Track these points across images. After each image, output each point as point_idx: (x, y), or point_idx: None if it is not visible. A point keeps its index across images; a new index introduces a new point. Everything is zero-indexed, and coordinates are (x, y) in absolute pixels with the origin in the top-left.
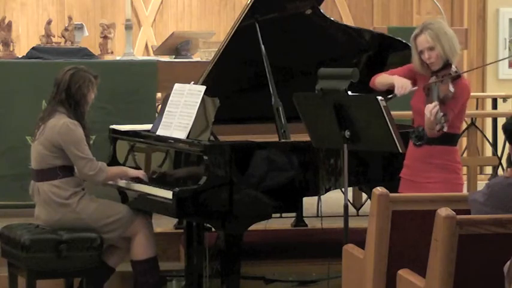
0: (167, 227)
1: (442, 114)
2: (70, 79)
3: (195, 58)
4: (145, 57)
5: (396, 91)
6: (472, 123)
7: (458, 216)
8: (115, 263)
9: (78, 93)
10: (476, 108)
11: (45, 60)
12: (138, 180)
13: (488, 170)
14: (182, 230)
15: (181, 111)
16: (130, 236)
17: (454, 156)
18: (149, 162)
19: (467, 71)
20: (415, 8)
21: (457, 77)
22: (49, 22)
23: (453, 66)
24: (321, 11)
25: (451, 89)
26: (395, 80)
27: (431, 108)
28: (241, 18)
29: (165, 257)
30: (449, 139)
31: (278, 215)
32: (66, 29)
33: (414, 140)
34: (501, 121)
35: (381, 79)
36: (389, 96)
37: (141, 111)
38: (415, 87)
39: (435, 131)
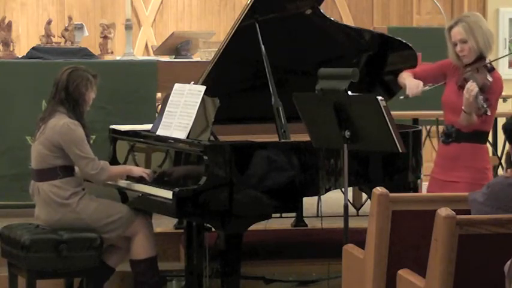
0: (167, 227)
1: (483, 98)
2: (68, 78)
3: (195, 58)
4: (145, 57)
5: (407, 92)
6: None
7: (458, 216)
8: (115, 263)
9: (76, 92)
10: None
11: (45, 60)
12: (138, 180)
13: None
14: (182, 230)
15: (181, 111)
16: (130, 236)
17: (483, 155)
18: (149, 162)
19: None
20: (415, 8)
21: (492, 69)
22: (49, 22)
23: (487, 59)
24: (321, 11)
25: (489, 78)
26: (407, 81)
27: (469, 87)
28: (241, 18)
29: (165, 257)
30: (479, 136)
31: (278, 215)
32: (66, 29)
33: (443, 138)
34: (501, 121)
35: (401, 77)
36: (402, 97)
37: (141, 111)
38: (427, 87)
39: (473, 119)
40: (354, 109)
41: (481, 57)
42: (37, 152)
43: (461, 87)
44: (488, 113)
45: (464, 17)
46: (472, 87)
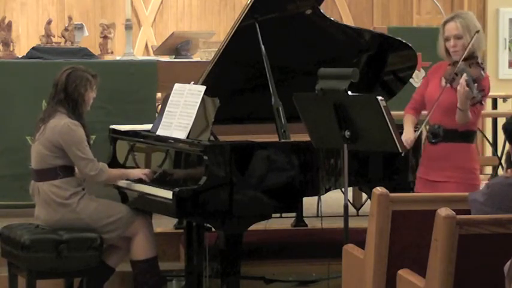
0: (167, 227)
1: (476, 87)
2: (67, 79)
3: (195, 58)
4: (145, 57)
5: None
6: None
7: (458, 216)
8: (115, 263)
9: (75, 92)
10: None
11: (45, 60)
12: (138, 180)
13: (488, 170)
14: (182, 230)
15: (181, 111)
16: (131, 236)
17: (471, 154)
18: (149, 162)
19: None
20: (415, 8)
21: (483, 69)
22: (49, 22)
23: (479, 58)
24: (321, 11)
25: (482, 73)
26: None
27: (461, 81)
28: (241, 18)
29: (165, 257)
30: (466, 136)
31: (278, 215)
32: (66, 29)
33: (430, 138)
34: (501, 121)
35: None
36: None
37: (141, 111)
38: (417, 133)
39: (469, 117)
40: (354, 109)
41: (473, 56)
42: (37, 152)
43: (452, 83)
44: (483, 102)
45: (462, 14)
46: (463, 80)
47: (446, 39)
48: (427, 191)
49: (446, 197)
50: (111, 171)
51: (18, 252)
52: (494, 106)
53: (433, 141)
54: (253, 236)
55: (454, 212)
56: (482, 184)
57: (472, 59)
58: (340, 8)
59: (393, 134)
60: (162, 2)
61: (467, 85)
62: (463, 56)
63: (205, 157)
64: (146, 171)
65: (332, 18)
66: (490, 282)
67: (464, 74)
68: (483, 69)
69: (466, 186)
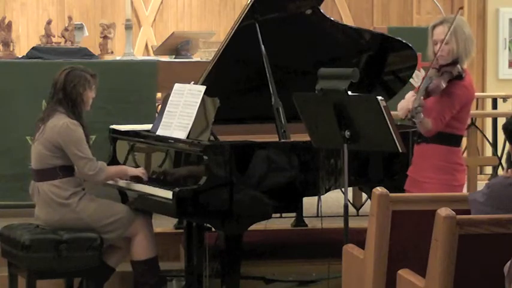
0: (167, 227)
1: (417, 105)
2: (65, 79)
3: (195, 58)
4: (145, 57)
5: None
6: (472, 123)
7: (458, 216)
8: (115, 263)
9: (74, 92)
10: (476, 108)
11: (45, 60)
12: (138, 180)
13: (488, 170)
14: (182, 230)
15: (181, 111)
16: (131, 236)
17: (452, 156)
18: (149, 162)
19: None
20: (415, 8)
21: (457, 77)
22: (49, 22)
23: (458, 66)
24: (321, 11)
25: (443, 84)
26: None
27: (407, 95)
28: (241, 18)
29: (165, 257)
30: (446, 139)
31: (278, 215)
32: (66, 29)
33: (415, 137)
34: (501, 121)
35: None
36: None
37: (141, 111)
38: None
39: (428, 126)
40: (354, 109)
41: (455, 63)
42: (37, 152)
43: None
44: (417, 120)
45: (450, 19)
46: (409, 95)
47: (434, 43)
48: (413, 189)
49: (446, 197)
50: (109, 168)
51: (18, 252)
52: (494, 106)
53: (417, 141)
54: (253, 236)
55: (454, 212)
56: (481, 184)
57: (451, 66)
58: (340, 8)
59: (393, 134)
60: (162, 2)
61: (416, 96)
62: (445, 64)
63: (205, 157)
64: (144, 171)
65: (332, 18)
66: (490, 282)
67: (413, 93)
68: (458, 77)
69: (446, 187)
